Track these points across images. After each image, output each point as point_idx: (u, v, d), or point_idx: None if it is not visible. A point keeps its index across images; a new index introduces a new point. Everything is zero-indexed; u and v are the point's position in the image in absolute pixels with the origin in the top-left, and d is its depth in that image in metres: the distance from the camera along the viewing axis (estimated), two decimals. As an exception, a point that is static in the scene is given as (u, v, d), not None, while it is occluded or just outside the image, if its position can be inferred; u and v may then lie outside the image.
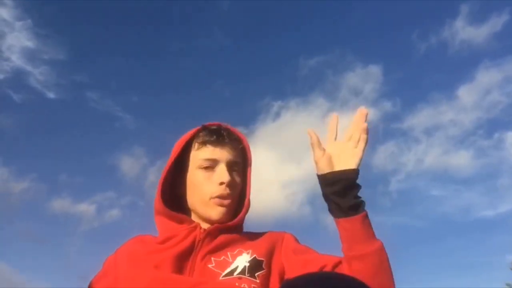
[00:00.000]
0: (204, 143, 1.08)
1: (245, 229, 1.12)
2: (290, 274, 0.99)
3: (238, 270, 0.96)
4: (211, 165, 1.07)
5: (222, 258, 0.99)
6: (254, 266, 0.97)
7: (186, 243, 1.01)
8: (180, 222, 1.07)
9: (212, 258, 0.99)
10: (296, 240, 1.10)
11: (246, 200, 1.09)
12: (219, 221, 1.06)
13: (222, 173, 1.05)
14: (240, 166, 1.10)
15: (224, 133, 1.09)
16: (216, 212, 1.05)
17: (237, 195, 1.09)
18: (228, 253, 1.01)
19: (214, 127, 1.11)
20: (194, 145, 1.10)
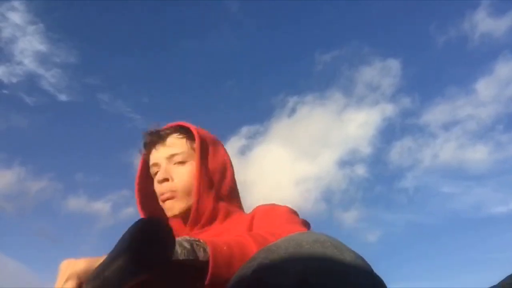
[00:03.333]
0: (146, 149, 1.10)
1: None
2: None
3: None
4: (157, 169, 1.06)
5: None
6: None
7: None
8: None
9: None
10: (272, 208, 1.02)
11: (195, 182, 1.02)
12: (177, 217, 1.04)
13: (159, 174, 1.04)
14: (183, 154, 1.05)
15: (151, 136, 1.08)
16: (169, 214, 1.04)
17: (187, 184, 1.03)
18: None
19: (148, 132, 1.10)
20: (145, 153, 1.11)
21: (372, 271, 0.51)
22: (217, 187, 1.06)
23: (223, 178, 1.08)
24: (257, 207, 1.06)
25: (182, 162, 1.05)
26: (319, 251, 0.50)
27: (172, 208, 1.03)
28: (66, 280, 0.63)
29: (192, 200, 1.02)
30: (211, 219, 1.02)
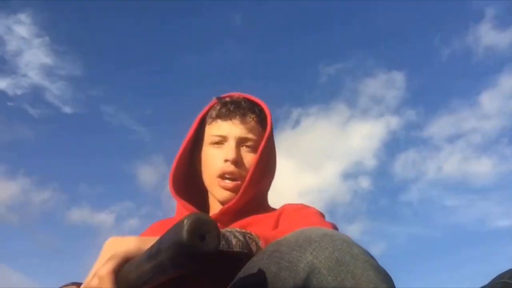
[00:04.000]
0: (214, 118, 1.03)
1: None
2: None
3: None
4: (221, 141, 1.00)
5: None
6: None
7: None
8: (187, 210, 1.00)
9: None
10: (301, 208, 0.99)
11: (249, 176, 0.97)
12: (224, 203, 0.99)
13: (227, 150, 0.98)
14: (254, 141, 1.01)
15: (233, 106, 1.01)
16: (219, 193, 0.99)
17: (251, 178, 0.98)
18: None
19: (226, 100, 1.04)
20: (208, 120, 1.05)
21: (379, 265, 0.52)
22: (264, 182, 1.04)
23: (270, 174, 1.06)
24: (284, 205, 1.03)
25: (252, 150, 1.01)
26: (329, 244, 0.51)
27: (223, 195, 0.98)
28: (108, 260, 0.56)
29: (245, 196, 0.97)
30: (243, 212, 0.97)
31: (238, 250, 0.59)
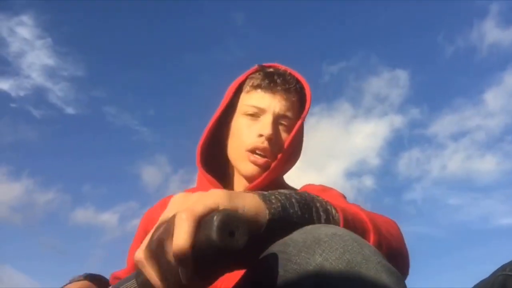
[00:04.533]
0: (254, 87, 0.94)
1: None
2: None
3: None
4: (256, 113, 0.93)
5: None
6: None
7: None
8: (212, 184, 0.94)
9: None
10: (324, 189, 0.95)
11: (280, 155, 0.92)
12: (248, 179, 0.93)
13: (264, 124, 0.91)
14: (292, 120, 0.94)
15: (279, 79, 0.93)
16: (247, 167, 0.92)
17: (283, 158, 0.93)
18: None
19: (270, 70, 0.96)
20: (245, 88, 0.97)
21: (392, 267, 0.49)
22: (290, 163, 0.98)
23: (297, 157, 1.00)
24: (305, 185, 0.98)
25: (287, 129, 0.94)
26: (338, 244, 0.48)
27: (250, 171, 0.91)
28: (184, 220, 0.44)
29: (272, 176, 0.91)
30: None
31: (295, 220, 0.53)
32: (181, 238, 0.43)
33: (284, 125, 0.93)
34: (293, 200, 0.55)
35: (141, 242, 0.90)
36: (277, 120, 0.92)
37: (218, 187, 0.91)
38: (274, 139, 0.90)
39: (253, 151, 0.91)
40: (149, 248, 0.47)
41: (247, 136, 0.92)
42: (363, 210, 0.67)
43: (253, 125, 0.93)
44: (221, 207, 0.46)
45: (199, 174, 0.98)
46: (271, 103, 0.92)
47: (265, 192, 0.55)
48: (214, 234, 0.43)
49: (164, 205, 0.96)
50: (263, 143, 0.90)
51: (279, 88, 0.92)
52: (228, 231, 0.43)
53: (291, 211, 0.53)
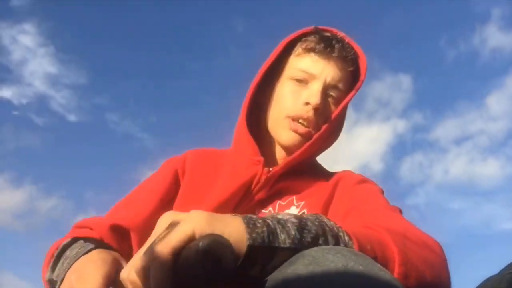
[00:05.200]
0: (307, 50, 0.85)
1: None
2: None
3: None
4: (305, 79, 0.84)
5: (268, 211, 0.80)
6: None
7: (238, 182, 0.80)
8: (251, 147, 0.85)
9: (260, 210, 0.80)
10: (363, 181, 0.86)
11: (325, 127, 0.84)
12: (286, 148, 0.85)
13: (312, 92, 0.82)
14: (342, 93, 0.85)
15: (337, 45, 0.84)
16: (287, 136, 0.84)
17: (327, 130, 0.85)
18: (278, 204, 0.81)
19: (327, 34, 0.86)
20: (297, 50, 0.87)
21: None
22: (330, 140, 0.90)
23: (338, 135, 0.91)
24: (343, 172, 0.89)
25: (335, 101, 0.85)
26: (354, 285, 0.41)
27: (290, 139, 0.83)
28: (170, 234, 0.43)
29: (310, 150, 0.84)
30: (300, 170, 0.84)
31: (284, 246, 0.46)
32: (158, 272, 0.41)
33: (333, 97, 0.84)
34: (290, 224, 0.48)
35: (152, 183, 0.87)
36: (326, 90, 0.83)
37: (257, 152, 0.85)
38: (321, 109, 0.82)
39: (295, 119, 0.83)
40: (134, 271, 0.44)
41: (291, 102, 0.83)
42: (391, 233, 0.58)
43: (299, 91, 0.84)
44: (197, 233, 0.43)
45: (237, 136, 0.91)
46: (324, 69, 0.83)
47: (253, 216, 0.49)
48: (197, 262, 0.41)
49: (185, 160, 0.90)
50: (308, 112, 0.82)
51: (335, 55, 0.83)
52: (213, 259, 0.41)
53: (283, 237, 0.46)
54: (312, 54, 0.84)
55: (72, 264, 0.62)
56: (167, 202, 0.82)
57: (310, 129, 0.83)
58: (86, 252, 0.63)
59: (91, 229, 0.76)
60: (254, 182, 0.81)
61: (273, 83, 0.90)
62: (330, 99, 0.84)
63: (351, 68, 0.85)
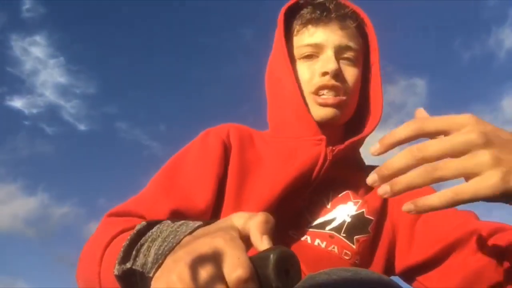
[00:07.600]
0: (304, 25, 0.79)
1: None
2: (398, 246, 0.73)
3: (333, 224, 0.70)
4: (315, 53, 0.78)
5: (322, 202, 0.74)
6: (357, 226, 0.70)
7: (304, 166, 0.72)
8: (308, 127, 0.76)
9: (314, 199, 0.73)
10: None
11: (372, 99, 0.79)
12: (330, 126, 0.77)
13: (325, 60, 0.76)
14: (356, 52, 0.79)
15: (331, 5, 0.78)
16: (318, 112, 0.76)
17: (355, 95, 0.79)
18: (330, 194, 0.75)
19: (319, 0, 0.80)
20: (294, 31, 0.82)
21: None
22: (377, 107, 0.81)
23: (379, 99, 0.81)
24: None
25: (353, 63, 0.78)
26: None
27: (324, 114, 0.76)
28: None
29: (346, 119, 0.78)
30: (346, 157, 0.76)
31: None
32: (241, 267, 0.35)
33: (349, 59, 0.78)
34: None
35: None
36: (339, 53, 0.77)
37: (317, 131, 0.76)
38: (340, 74, 0.76)
39: (317, 92, 0.76)
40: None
41: (309, 78, 0.77)
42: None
43: (313, 65, 0.78)
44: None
45: (290, 117, 0.81)
46: (328, 35, 0.77)
47: None
48: (271, 272, 0.39)
49: (229, 133, 0.80)
50: (329, 81, 0.75)
51: (333, 15, 0.77)
52: (284, 270, 0.39)
53: None
54: (310, 26, 0.79)
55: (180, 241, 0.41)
56: (221, 182, 0.72)
57: (340, 96, 0.76)
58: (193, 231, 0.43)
59: (142, 217, 0.62)
60: (319, 164, 0.72)
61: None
62: (347, 62, 0.78)
63: (354, 24, 0.79)
